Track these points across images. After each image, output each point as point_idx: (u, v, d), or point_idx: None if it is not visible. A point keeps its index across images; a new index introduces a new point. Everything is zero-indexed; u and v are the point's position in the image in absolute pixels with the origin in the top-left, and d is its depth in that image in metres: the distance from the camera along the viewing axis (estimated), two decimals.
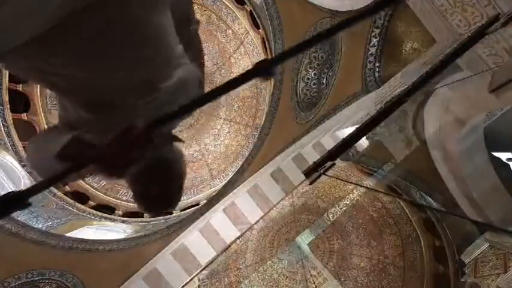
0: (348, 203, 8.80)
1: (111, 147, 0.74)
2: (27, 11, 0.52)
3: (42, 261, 4.79)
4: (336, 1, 4.63)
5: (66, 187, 7.03)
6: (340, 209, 8.88)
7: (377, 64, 4.52)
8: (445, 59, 1.53)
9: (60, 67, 0.65)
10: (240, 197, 6.35)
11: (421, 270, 7.52)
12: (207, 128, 9.61)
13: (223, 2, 7.79)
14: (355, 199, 8.72)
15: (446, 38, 3.60)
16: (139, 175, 0.90)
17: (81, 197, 7.40)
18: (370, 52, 4.48)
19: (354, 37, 4.56)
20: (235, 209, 6.41)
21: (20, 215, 5.54)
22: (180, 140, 1.00)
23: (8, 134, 6.18)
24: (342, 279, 8.96)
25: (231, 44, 8.56)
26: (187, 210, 7.52)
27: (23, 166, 6.39)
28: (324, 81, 5.47)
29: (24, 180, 6.42)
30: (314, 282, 9.02)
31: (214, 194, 6.95)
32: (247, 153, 7.11)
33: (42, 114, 7.05)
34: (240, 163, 6.97)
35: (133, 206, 8.35)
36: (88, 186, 7.82)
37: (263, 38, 7.22)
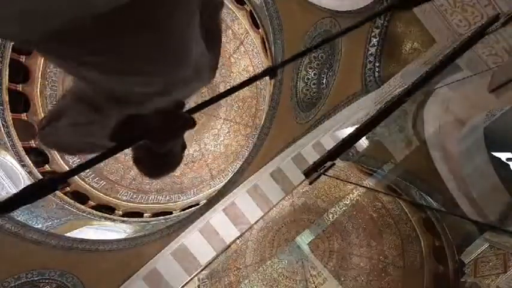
0: (347, 203, 8.80)
1: (162, 122, 0.82)
2: None
3: (42, 261, 4.78)
4: (336, 1, 4.64)
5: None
6: (340, 209, 8.88)
7: (377, 64, 4.51)
8: (445, 59, 1.53)
9: (98, 56, 0.64)
10: (240, 197, 6.35)
11: (421, 270, 7.51)
12: (207, 128, 9.60)
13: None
14: (355, 199, 8.71)
15: (446, 38, 3.60)
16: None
17: (81, 197, 7.40)
18: (370, 52, 4.48)
19: (354, 37, 4.55)
20: (235, 209, 6.41)
21: (20, 215, 5.54)
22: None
23: (8, 134, 6.18)
24: (342, 279, 8.96)
25: (231, 44, 8.55)
26: (187, 210, 7.52)
27: (23, 166, 6.39)
28: (324, 81, 5.46)
29: (24, 180, 6.42)
30: (314, 282, 9.02)
31: (214, 194, 6.93)
32: (247, 153, 7.11)
33: (42, 114, 7.05)
34: (240, 163, 6.96)
35: (133, 206, 8.36)
36: (88, 186, 7.83)
37: (263, 38, 7.22)
